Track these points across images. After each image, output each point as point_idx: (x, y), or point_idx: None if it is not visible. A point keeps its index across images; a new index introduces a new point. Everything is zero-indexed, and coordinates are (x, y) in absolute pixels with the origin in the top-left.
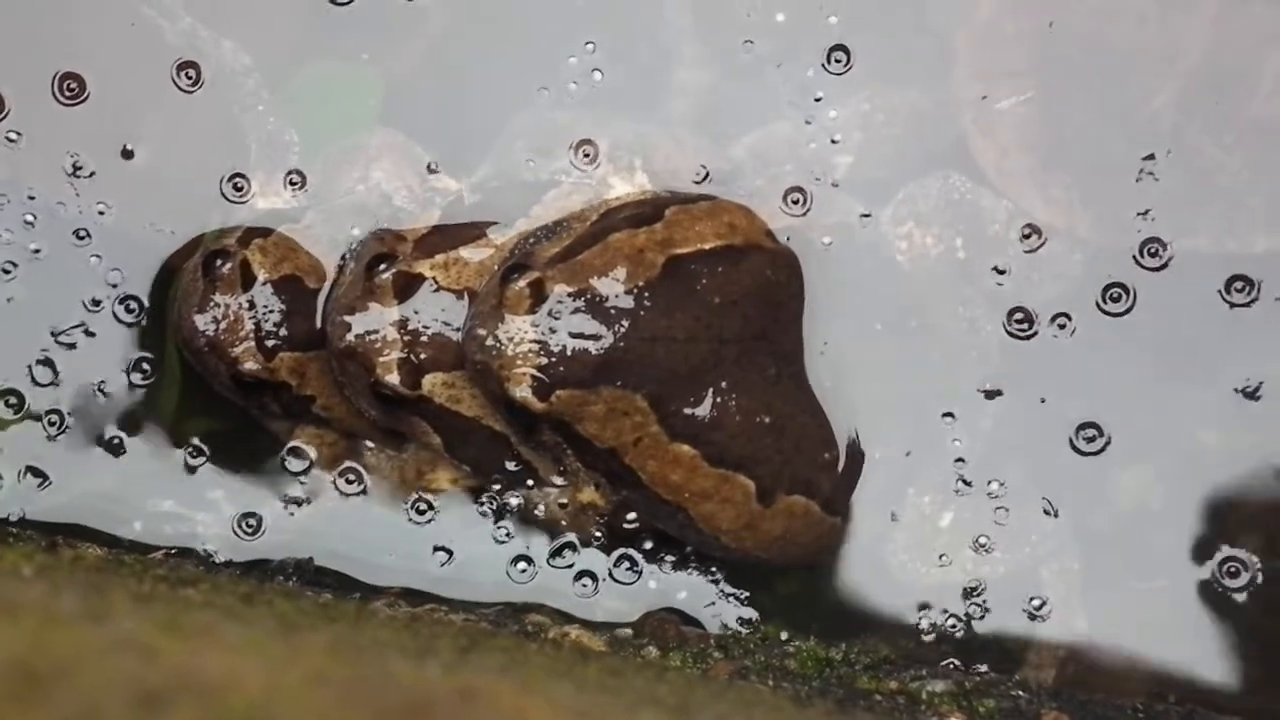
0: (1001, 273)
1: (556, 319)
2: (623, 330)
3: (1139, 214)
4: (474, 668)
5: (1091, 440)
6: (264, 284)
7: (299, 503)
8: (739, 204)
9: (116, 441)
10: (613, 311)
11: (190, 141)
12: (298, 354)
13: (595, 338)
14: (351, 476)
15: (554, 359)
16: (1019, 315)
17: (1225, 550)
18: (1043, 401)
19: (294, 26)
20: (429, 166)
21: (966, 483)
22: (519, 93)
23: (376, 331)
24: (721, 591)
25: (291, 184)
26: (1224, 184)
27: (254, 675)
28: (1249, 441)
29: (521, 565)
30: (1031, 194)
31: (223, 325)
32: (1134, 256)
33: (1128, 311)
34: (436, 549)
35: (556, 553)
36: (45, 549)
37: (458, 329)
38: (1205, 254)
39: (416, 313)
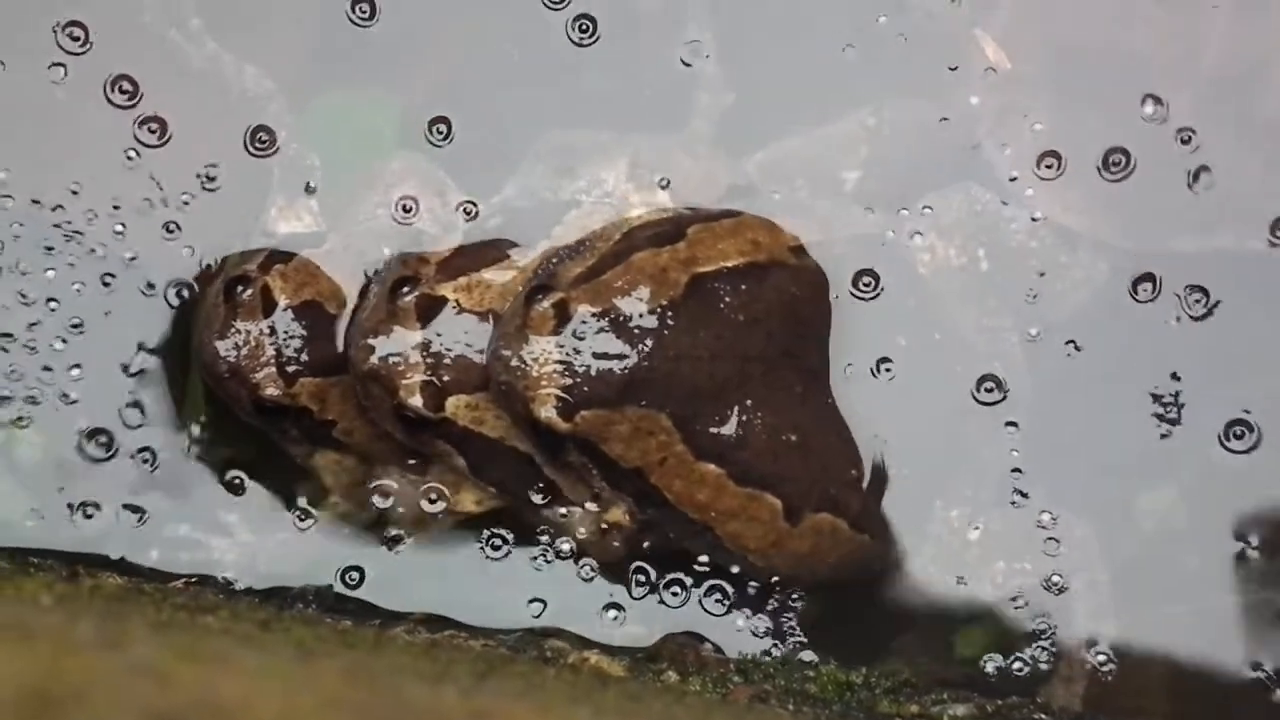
0: (1025, 283)
1: (581, 339)
2: (647, 350)
3: (1161, 217)
4: (491, 692)
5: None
6: (285, 309)
7: (398, 541)
8: (763, 220)
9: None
10: (637, 331)
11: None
12: (318, 379)
13: (620, 357)
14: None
15: (579, 379)
16: (1041, 326)
17: (1253, 571)
18: (1069, 413)
19: (316, 52)
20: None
21: (995, 496)
22: (541, 114)
23: (400, 354)
24: (742, 614)
25: (312, 209)
26: (1243, 185)
27: (268, 700)
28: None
29: (613, 613)
30: (1052, 202)
31: (244, 351)
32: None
33: (1153, 320)
34: (532, 600)
35: (633, 582)
36: (65, 578)
37: (481, 351)
38: (1228, 253)
39: (439, 335)
